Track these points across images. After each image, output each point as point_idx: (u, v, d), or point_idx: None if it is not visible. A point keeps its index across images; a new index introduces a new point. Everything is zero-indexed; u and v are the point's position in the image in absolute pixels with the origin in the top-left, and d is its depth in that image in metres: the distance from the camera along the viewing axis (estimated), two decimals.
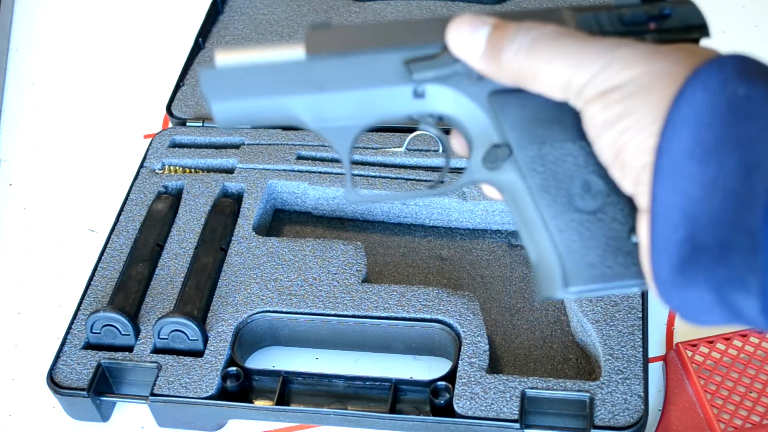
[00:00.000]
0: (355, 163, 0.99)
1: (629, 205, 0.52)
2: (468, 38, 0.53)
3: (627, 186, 0.50)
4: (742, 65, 0.46)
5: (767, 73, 0.46)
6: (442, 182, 0.61)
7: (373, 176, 0.97)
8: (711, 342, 0.83)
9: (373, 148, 1.00)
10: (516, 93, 0.54)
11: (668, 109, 0.46)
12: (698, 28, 0.55)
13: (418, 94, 0.56)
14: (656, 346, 0.87)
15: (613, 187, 0.52)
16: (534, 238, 0.54)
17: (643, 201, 0.48)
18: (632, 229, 0.52)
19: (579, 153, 0.53)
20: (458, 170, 0.94)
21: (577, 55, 0.50)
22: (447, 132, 0.60)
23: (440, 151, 0.98)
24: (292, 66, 0.56)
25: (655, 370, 0.85)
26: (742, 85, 0.45)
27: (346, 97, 0.56)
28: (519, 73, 0.52)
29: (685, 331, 0.88)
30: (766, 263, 0.43)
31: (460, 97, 0.55)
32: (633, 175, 0.48)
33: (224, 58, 0.56)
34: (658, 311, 0.89)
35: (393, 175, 0.97)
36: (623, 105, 0.48)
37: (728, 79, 0.45)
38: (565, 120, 0.54)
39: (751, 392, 0.80)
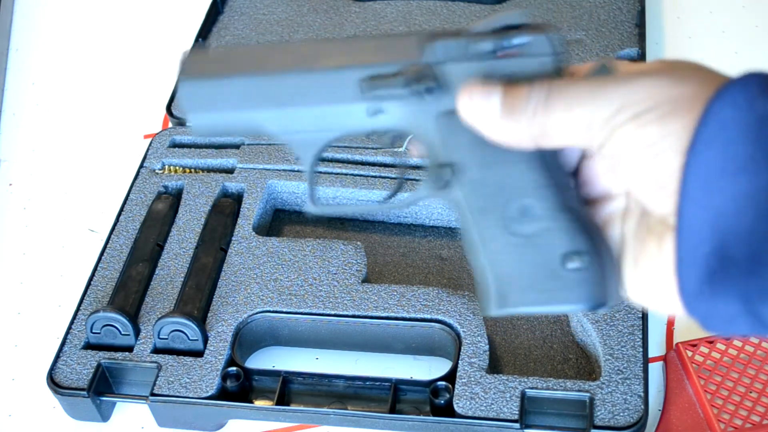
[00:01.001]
0: (355, 162, 0.99)
1: (567, 231, 0.53)
2: (481, 105, 0.53)
3: (664, 206, 0.50)
4: (765, 83, 0.47)
5: None
6: (398, 190, 0.63)
7: (372, 176, 0.97)
8: (711, 342, 0.83)
9: (372, 148, 1.00)
10: None
11: (696, 126, 0.47)
12: (556, 60, 0.54)
13: (375, 112, 0.57)
14: (656, 346, 0.87)
15: (551, 212, 0.53)
16: (474, 257, 0.56)
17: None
18: (567, 255, 0.53)
19: (519, 177, 0.54)
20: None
21: (595, 95, 0.50)
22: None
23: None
24: (257, 80, 0.59)
25: (655, 370, 0.85)
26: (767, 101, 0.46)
27: (306, 113, 0.59)
28: (539, 130, 0.51)
29: (685, 331, 0.88)
30: None
31: (412, 116, 0.57)
32: (672, 193, 0.49)
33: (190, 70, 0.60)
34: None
35: (393, 175, 0.97)
36: (660, 125, 0.48)
37: (754, 97, 0.46)
38: None
39: (751, 392, 0.80)
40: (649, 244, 0.51)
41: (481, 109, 0.53)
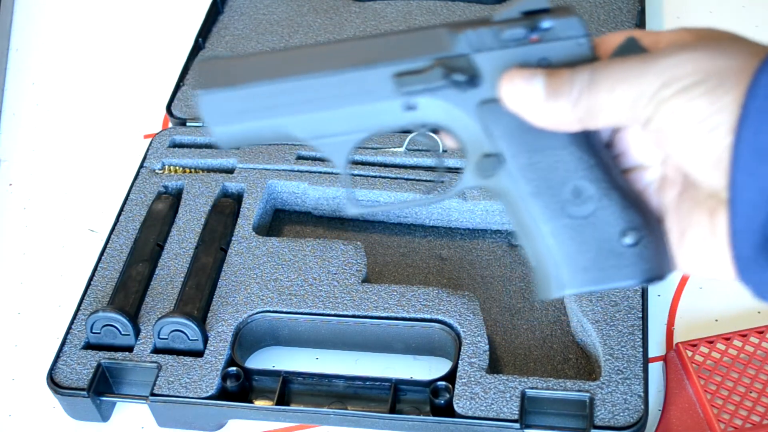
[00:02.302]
0: (355, 163, 0.99)
1: (621, 208, 0.54)
2: (525, 90, 0.53)
3: (717, 180, 0.50)
4: None
5: None
6: (440, 184, 0.62)
7: (373, 176, 0.97)
8: (711, 342, 0.83)
9: (373, 148, 1.00)
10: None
11: (745, 94, 0.47)
12: (581, 38, 0.55)
13: (410, 107, 0.57)
14: (656, 346, 0.87)
15: (603, 191, 0.54)
16: (530, 242, 0.56)
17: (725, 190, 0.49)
18: (624, 231, 0.54)
19: (570, 159, 0.54)
20: (456, 170, 0.94)
21: (639, 72, 0.50)
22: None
23: (440, 151, 0.98)
24: (283, 86, 0.57)
25: (655, 370, 0.85)
26: None
27: (338, 114, 0.58)
28: (585, 111, 0.52)
29: (685, 331, 0.88)
30: None
31: (450, 108, 0.56)
32: (726, 168, 0.48)
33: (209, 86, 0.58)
34: (658, 311, 0.90)
35: (393, 175, 0.97)
36: (710, 99, 0.48)
37: None
38: None
39: (751, 392, 0.80)
40: (698, 217, 0.51)
41: (526, 95, 0.53)
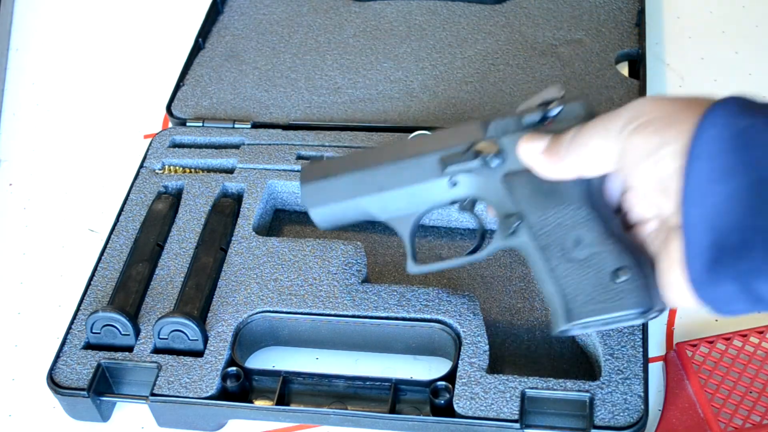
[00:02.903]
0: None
1: (614, 252, 0.66)
2: (535, 147, 0.70)
3: (668, 207, 0.61)
4: (743, 103, 0.58)
5: (763, 106, 0.58)
6: (479, 247, 0.78)
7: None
8: (711, 342, 0.84)
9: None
10: (523, 173, 0.71)
11: (689, 142, 0.58)
12: (586, 117, 0.69)
13: (454, 183, 0.74)
14: (656, 346, 0.87)
15: (599, 239, 0.67)
16: (544, 284, 0.69)
17: (678, 219, 0.60)
18: (616, 271, 0.66)
19: (572, 215, 0.68)
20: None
21: (604, 122, 0.65)
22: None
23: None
24: (360, 174, 0.77)
25: (655, 370, 0.85)
26: (743, 119, 0.57)
27: (400, 193, 0.76)
28: (572, 161, 0.67)
29: (685, 331, 0.88)
30: None
31: (482, 182, 0.73)
32: (675, 197, 0.60)
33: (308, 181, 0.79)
34: None
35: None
36: (659, 135, 0.60)
37: (733, 115, 0.57)
38: (560, 189, 0.69)
39: (751, 392, 0.80)
40: (665, 251, 0.63)
41: (533, 151, 0.69)
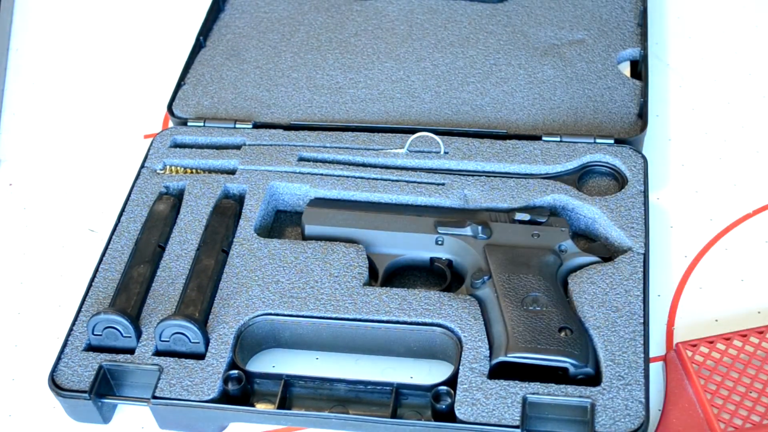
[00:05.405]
0: (356, 164, 0.99)
1: (562, 315, 0.82)
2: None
3: None
4: None
5: None
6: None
7: (374, 178, 0.97)
8: (711, 342, 0.84)
9: (374, 149, 1.00)
10: (503, 247, 0.88)
11: None
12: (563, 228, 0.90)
13: (438, 243, 0.90)
14: (656, 347, 0.87)
15: (553, 303, 0.83)
16: (495, 324, 0.82)
17: None
18: (560, 328, 0.81)
19: (534, 281, 0.85)
20: (456, 172, 0.96)
21: None
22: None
23: (441, 153, 0.98)
24: (362, 214, 0.93)
25: (656, 370, 0.85)
26: None
27: (392, 235, 0.91)
28: None
29: (685, 332, 0.88)
30: None
31: (465, 246, 0.90)
32: None
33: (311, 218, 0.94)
34: (658, 311, 0.90)
35: (395, 177, 0.97)
36: None
37: None
38: (530, 263, 0.86)
39: (751, 392, 0.80)
40: None
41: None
